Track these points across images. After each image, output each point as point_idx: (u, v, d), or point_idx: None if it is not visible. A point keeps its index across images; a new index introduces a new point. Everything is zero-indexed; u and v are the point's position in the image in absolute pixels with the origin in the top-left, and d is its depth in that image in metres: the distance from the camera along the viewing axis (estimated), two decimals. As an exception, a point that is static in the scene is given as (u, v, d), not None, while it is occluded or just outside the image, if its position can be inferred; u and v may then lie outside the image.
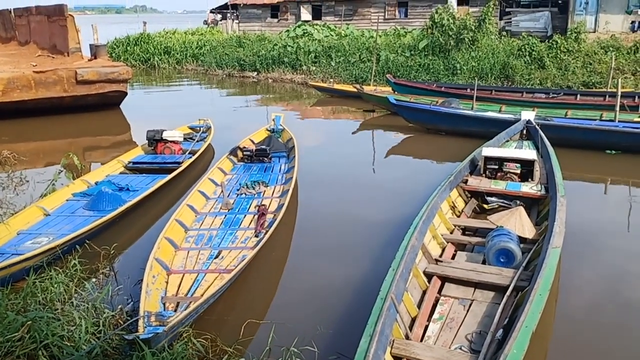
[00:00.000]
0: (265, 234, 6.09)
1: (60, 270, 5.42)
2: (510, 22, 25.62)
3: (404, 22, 29.82)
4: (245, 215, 7.04)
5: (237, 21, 35.11)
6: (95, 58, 16.38)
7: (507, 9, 26.66)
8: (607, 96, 14.25)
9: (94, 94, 15.02)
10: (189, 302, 4.75)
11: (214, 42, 29.01)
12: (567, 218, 5.87)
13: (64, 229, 6.59)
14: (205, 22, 41.17)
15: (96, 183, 8.35)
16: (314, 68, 22.60)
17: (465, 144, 10.53)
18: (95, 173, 8.88)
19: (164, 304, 4.85)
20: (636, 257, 6.50)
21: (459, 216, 7.09)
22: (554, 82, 17.60)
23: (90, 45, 17.62)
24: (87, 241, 6.27)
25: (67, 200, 7.70)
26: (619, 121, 11.40)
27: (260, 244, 5.80)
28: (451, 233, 6.46)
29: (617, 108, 11.56)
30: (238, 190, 8.01)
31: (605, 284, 5.88)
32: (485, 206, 7.49)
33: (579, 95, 15.00)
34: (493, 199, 7.51)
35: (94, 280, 5.73)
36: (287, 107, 17.63)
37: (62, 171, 8.66)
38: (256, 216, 6.89)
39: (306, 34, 27.77)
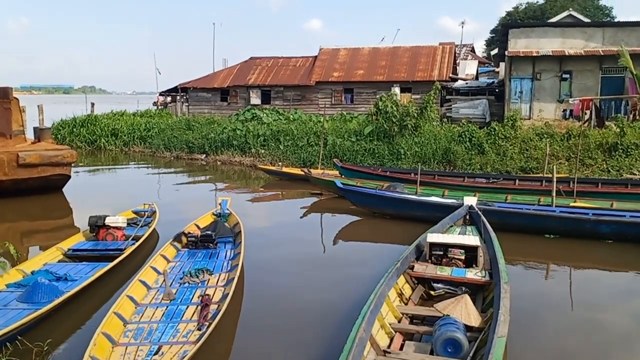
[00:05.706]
0: (209, 327, 5.89)
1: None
2: (451, 109, 26.88)
3: (350, 107, 30.91)
4: (187, 306, 6.81)
5: (186, 104, 35.45)
6: (39, 141, 16.12)
7: (447, 97, 28.05)
8: (544, 181, 14.91)
9: (36, 177, 14.67)
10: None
11: (163, 125, 29.00)
12: (512, 302, 5.96)
13: (-7, 324, 6.20)
14: (155, 104, 41.39)
15: (32, 272, 7.97)
16: (262, 151, 22.89)
17: (411, 228, 10.70)
18: (31, 262, 8.50)
19: (97, 409, 4.55)
20: (579, 339, 6.63)
21: (406, 304, 7.08)
22: (494, 167, 18.34)
23: (34, 128, 17.37)
24: (19, 337, 5.91)
25: (-1, 291, 7.31)
26: (556, 206, 11.88)
27: (203, 338, 5.59)
28: (399, 322, 6.42)
29: (554, 193, 12.10)
30: (181, 279, 7.77)
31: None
32: (432, 292, 7.52)
33: (517, 181, 15.64)
34: (439, 285, 7.56)
35: (23, 380, 5.37)
36: (236, 190, 17.62)
37: (-4, 260, 8.26)
38: (199, 307, 6.68)
39: (255, 118, 28.29)
